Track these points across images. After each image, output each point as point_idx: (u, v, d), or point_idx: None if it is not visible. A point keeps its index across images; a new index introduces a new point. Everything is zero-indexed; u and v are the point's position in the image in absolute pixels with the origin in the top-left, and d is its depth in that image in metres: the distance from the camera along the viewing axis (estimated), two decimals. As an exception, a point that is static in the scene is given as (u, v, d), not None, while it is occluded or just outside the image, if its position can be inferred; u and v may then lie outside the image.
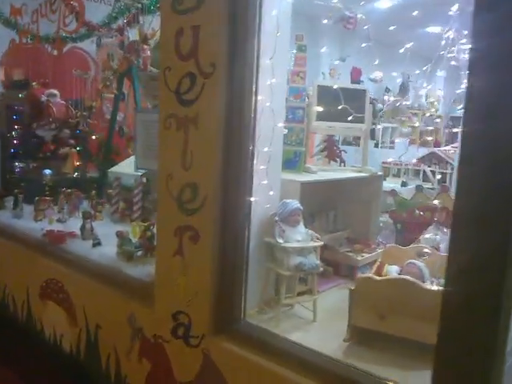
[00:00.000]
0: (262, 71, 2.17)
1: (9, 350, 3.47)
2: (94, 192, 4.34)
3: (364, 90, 3.15)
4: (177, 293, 2.30)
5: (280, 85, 2.42)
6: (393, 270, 2.38)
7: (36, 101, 3.99)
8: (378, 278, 2.11)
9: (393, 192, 2.99)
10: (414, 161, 6.01)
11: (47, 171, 4.47)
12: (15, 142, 4.55)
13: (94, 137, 4.43)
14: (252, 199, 2.18)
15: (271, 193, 2.36)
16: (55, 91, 4.10)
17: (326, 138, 3.26)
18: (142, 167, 3.01)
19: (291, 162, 2.92)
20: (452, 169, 5.57)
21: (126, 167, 4.20)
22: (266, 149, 2.31)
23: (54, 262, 3.20)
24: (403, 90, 7.67)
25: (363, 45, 3.14)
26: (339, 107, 3.01)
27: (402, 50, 3.04)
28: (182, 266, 2.27)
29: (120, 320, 2.63)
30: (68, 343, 3.04)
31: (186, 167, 2.21)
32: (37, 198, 3.98)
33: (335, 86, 3.02)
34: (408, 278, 2.03)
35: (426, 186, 4.30)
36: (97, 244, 3.28)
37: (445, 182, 5.27)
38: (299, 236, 2.31)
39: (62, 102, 4.14)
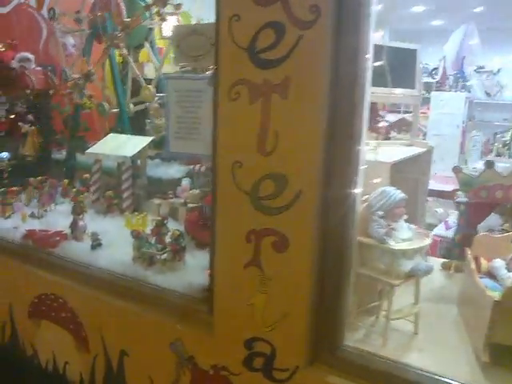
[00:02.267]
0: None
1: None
2: (65, 180, 3.61)
3: (414, 50, 2.68)
4: (251, 315, 1.77)
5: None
6: (499, 266, 1.98)
7: (4, 67, 3.14)
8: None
9: (456, 169, 2.58)
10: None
11: (4, 154, 3.67)
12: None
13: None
14: (357, 191, 1.67)
15: (377, 180, 1.86)
16: (29, 55, 3.25)
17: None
18: (175, 150, 2.38)
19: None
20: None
21: (105, 146, 3.51)
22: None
23: (47, 271, 2.54)
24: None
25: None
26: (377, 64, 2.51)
27: None
28: (260, 281, 1.74)
29: (158, 346, 2.07)
30: (77, 372, 2.44)
31: (265, 152, 1.66)
32: (2, 189, 3.21)
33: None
34: None
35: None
36: (97, 245, 2.65)
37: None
38: (405, 233, 1.83)
39: (39, 68, 3.31)
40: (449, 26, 8.28)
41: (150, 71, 4.07)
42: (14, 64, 3.12)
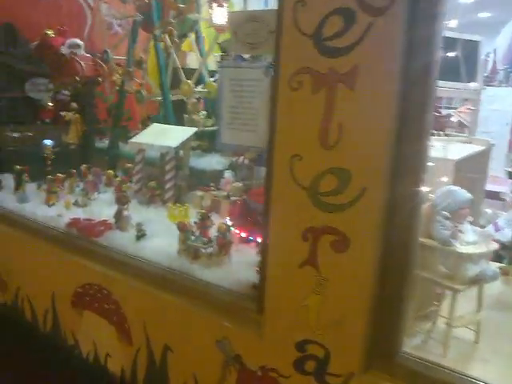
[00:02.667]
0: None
1: (31, 366, 2.79)
2: (110, 169, 3.60)
3: (477, 42, 2.53)
4: (304, 316, 1.69)
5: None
6: None
7: (54, 54, 3.13)
8: None
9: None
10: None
11: (48, 142, 3.68)
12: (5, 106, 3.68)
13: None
14: (425, 189, 1.57)
15: (444, 179, 1.75)
16: (79, 41, 3.23)
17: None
18: (228, 142, 2.30)
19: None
20: None
21: (149, 136, 3.47)
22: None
23: (91, 261, 2.51)
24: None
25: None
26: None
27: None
28: (316, 282, 1.65)
29: (204, 343, 2.02)
30: (118, 365, 2.41)
31: (327, 145, 1.57)
32: (49, 177, 3.22)
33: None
34: None
35: None
36: (141, 236, 2.61)
37: None
38: (470, 236, 1.72)
39: (88, 55, 3.29)
40: (497, 18, 7.97)
41: (192, 61, 4.04)
42: (64, 50, 3.10)
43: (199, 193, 3.29)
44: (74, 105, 3.76)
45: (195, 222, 2.59)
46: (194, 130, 3.39)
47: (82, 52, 3.14)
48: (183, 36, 3.76)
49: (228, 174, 3.45)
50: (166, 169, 3.33)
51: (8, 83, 3.68)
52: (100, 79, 3.36)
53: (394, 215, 1.54)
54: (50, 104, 3.83)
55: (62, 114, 3.71)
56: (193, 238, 2.38)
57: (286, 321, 1.76)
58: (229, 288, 2.07)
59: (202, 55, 3.53)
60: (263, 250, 1.84)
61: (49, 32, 3.33)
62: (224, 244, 2.30)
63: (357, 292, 1.59)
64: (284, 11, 1.61)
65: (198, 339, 2.04)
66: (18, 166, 3.36)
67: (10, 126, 3.75)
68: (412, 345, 1.77)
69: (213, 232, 2.43)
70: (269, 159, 1.75)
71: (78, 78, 3.08)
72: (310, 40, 1.56)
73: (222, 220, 2.77)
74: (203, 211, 2.62)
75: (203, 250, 2.33)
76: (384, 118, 1.47)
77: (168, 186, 3.33)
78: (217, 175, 3.51)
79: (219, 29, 3.00)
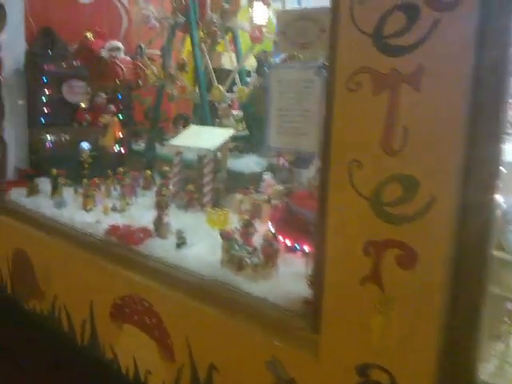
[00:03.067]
0: None
1: (68, 378, 2.73)
2: (148, 172, 3.54)
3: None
4: (366, 338, 1.56)
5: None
6: None
7: (94, 57, 3.07)
8: None
9: None
10: None
11: (85, 145, 3.65)
12: (45, 109, 3.66)
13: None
14: (498, 198, 1.41)
15: None
16: (119, 43, 3.17)
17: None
18: (276, 146, 2.19)
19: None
20: None
21: (187, 139, 3.38)
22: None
23: (131, 271, 2.43)
24: None
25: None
26: None
27: None
28: (379, 300, 1.52)
29: (253, 363, 1.90)
30: (159, 382, 2.31)
31: (391, 150, 1.43)
32: (85, 181, 3.17)
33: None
34: None
35: None
36: (182, 244, 2.52)
37: None
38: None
39: (128, 57, 3.23)
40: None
41: (226, 62, 3.95)
42: (104, 53, 3.03)
43: (238, 196, 3.17)
44: (112, 107, 3.71)
45: (237, 229, 2.49)
46: (231, 132, 3.29)
47: (121, 55, 3.07)
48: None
49: (268, 177, 3.34)
50: (204, 172, 3.24)
51: (45, 86, 3.65)
52: (140, 82, 3.28)
53: (466, 226, 1.39)
54: (83, 105, 3.77)
55: (100, 117, 3.67)
56: (237, 247, 2.26)
57: (345, 342, 1.63)
58: (277, 303, 1.95)
59: (238, 57, 3.42)
60: (318, 263, 1.72)
61: (88, 35, 3.28)
62: (271, 254, 2.17)
63: (426, 312, 1.45)
64: (340, 9, 1.48)
65: (246, 359, 1.93)
66: (55, 170, 3.33)
67: (47, 129, 3.72)
68: (487, 371, 1.60)
69: (256, 239, 2.32)
70: (324, 165, 1.62)
71: (118, 82, 3.01)
72: (369, 38, 1.43)
73: (263, 225, 2.66)
74: (246, 217, 2.51)
75: (248, 261, 2.21)
76: (453, 121, 1.33)
77: (206, 189, 3.23)
78: (255, 177, 3.40)
79: (255, 38, 2.88)
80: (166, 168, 3.55)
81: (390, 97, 1.41)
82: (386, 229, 1.47)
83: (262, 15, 2.76)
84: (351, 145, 1.52)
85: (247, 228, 2.45)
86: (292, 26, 1.84)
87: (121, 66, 3.06)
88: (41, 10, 3.81)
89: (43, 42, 3.75)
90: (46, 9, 3.83)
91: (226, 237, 2.27)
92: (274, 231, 2.28)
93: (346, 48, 1.50)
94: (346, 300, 1.61)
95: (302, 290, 1.96)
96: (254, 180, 3.35)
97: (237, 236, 2.37)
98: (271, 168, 3.46)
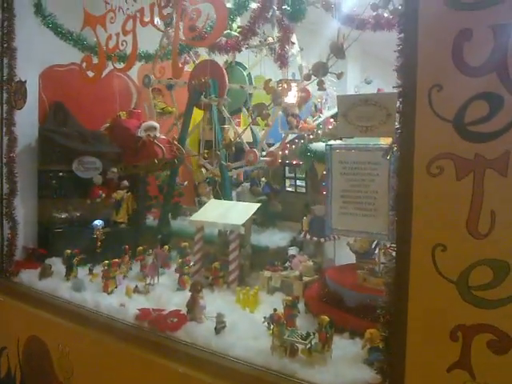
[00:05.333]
0: None
1: None
2: (166, 248, 3.54)
3: None
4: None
5: None
6: None
7: (129, 136, 3.15)
8: None
9: None
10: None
11: (98, 222, 3.66)
12: (56, 185, 3.70)
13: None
14: None
15: None
16: (155, 123, 3.27)
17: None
18: (339, 228, 2.24)
19: None
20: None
21: (209, 213, 3.42)
22: None
23: (170, 359, 2.39)
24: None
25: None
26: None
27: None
28: (470, 387, 1.53)
29: None
30: None
31: (478, 234, 1.51)
32: (107, 262, 3.15)
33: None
34: None
35: None
36: (221, 328, 2.50)
37: None
38: None
39: (163, 137, 3.33)
40: None
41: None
42: (141, 133, 3.13)
43: (267, 273, 3.19)
44: (126, 183, 3.77)
45: (275, 310, 2.50)
46: (257, 205, 3.36)
47: (158, 134, 3.17)
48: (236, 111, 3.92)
49: (293, 251, 3.38)
50: (230, 248, 3.26)
51: (58, 162, 3.72)
52: (176, 161, 3.37)
53: None
54: (97, 181, 3.83)
55: (114, 193, 3.73)
56: (289, 331, 2.26)
57: None
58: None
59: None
60: (397, 351, 1.73)
61: (122, 114, 3.40)
62: (327, 339, 2.18)
63: (524, 401, 1.47)
64: (418, 95, 1.60)
65: None
66: (69, 250, 3.32)
67: (57, 205, 3.75)
68: None
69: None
70: (402, 249, 1.68)
71: (156, 161, 3.08)
72: (449, 124, 1.54)
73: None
74: (290, 298, 2.52)
75: (302, 346, 2.21)
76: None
77: (232, 266, 3.25)
78: (281, 252, 3.44)
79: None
80: (185, 243, 3.57)
81: (475, 181, 1.51)
82: (476, 313, 1.52)
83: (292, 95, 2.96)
84: (435, 229, 1.59)
85: (290, 309, 2.46)
86: (354, 110, 1.96)
87: (160, 146, 3.14)
88: (52, 85, 3.93)
89: (55, 117, 3.84)
90: (57, 84, 3.95)
91: (276, 321, 2.28)
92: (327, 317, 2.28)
93: (425, 134, 1.60)
94: (433, 389, 1.62)
95: (366, 375, 1.96)
96: (279, 255, 3.39)
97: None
98: (296, 242, 3.51)
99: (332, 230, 2.30)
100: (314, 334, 2.24)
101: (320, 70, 2.21)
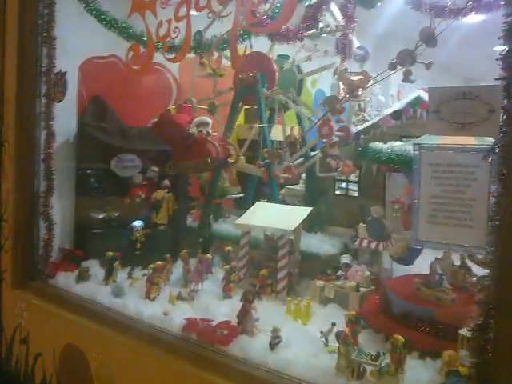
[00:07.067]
0: None
1: None
2: (209, 253, 3.40)
3: None
4: None
5: None
6: None
7: (180, 132, 2.99)
8: None
9: None
10: None
11: (137, 223, 3.53)
12: (94, 183, 3.60)
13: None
14: None
15: None
16: (207, 119, 3.10)
17: None
18: (428, 239, 2.03)
19: None
20: None
21: (256, 217, 3.26)
22: None
23: (221, 377, 2.24)
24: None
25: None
26: None
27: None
28: None
29: None
30: None
31: None
32: (151, 266, 3.02)
33: None
34: None
35: None
36: (277, 344, 2.34)
37: None
38: None
39: (215, 133, 3.17)
40: None
41: (275, 133, 3.98)
42: (192, 129, 2.97)
43: (319, 282, 3.02)
44: (167, 182, 3.65)
45: (333, 325, 2.34)
46: (309, 209, 3.19)
47: (210, 130, 3.01)
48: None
49: (347, 259, 3.20)
50: (279, 254, 3.11)
51: (96, 159, 3.62)
52: (230, 160, 3.21)
53: None
54: (137, 181, 3.72)
55: (154, 193, 3.61)
56: (357, 351, 2.09)
57: None
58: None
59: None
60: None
61: (170, 108, 3.26)
62: (400, 359, 2.00)
63: None
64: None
65: None
66: (111, 253, 3.21)
67: (95, 206, 3.65)
68: None
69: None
70: (504, 266, 1.49)
71: (209, 160, 2.93)
72: None
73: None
74: (353, 313, 2.35)
75: (372, 368, 2.03)
76: None
77: (282, 274, 3.09)
78: (332, 260, 3.27)
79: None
80: (229, 248, 3.43)
81: None
82: None
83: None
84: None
85: (355, 325, 2.29)
86: (448, 104, 1.77)
87: (214, 144, 2.97)
88: (91, 77, 3.83)
89: (94, 111, 3.74)
90: (96, 77, 3.85)
91: (343, 339, 2.11)
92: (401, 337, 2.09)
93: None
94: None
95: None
96: (331, 263, 3.22)
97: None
98: (349, 249, 3.34)
99: (418, 242, 2.10)
100: (384, 353, 2.07)
101: (407, 58, 2.03)
